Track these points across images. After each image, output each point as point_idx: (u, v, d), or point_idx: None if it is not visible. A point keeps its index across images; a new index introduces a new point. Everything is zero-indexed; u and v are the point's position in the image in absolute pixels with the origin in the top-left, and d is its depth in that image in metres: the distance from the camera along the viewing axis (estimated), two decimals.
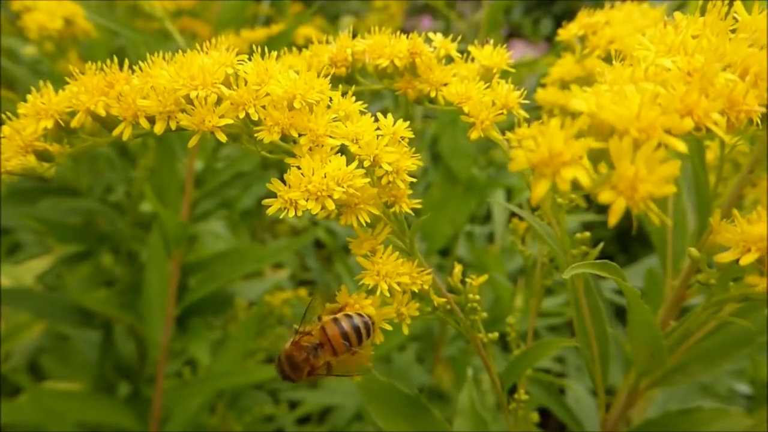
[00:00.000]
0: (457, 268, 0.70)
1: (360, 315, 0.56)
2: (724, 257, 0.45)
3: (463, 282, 0.69)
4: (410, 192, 0.58)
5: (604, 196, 0.34)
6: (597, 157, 0.37)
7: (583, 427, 1.18)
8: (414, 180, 0.55)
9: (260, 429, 1.64)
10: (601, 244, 0.71)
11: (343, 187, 0.50)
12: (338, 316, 0.56)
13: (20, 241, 1.86)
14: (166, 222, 1.18)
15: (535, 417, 0.83)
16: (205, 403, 1.37)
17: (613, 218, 0.33)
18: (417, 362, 1.75)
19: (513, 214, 2.04)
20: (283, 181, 0.52)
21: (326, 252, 2.38)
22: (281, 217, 0.50)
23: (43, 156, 0.54)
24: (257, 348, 1.58)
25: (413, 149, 0.57)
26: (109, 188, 1.50)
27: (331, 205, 0.50)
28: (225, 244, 1.76)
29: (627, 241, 2.86)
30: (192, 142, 0.52)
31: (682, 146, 0.36)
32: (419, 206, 0.60)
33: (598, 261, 0.54)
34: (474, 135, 0.61)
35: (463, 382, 1.67)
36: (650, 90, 0.39)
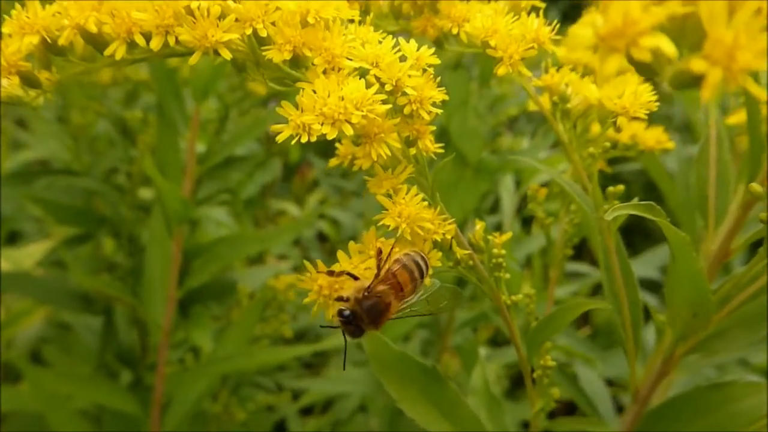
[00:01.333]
0: (479, 225, 0.65)
1: (415, 251, 0.52)
2: None
3: (485, 241, 0.64)
4: (434, 129, 0.53)
5: (697, 65, 0.28)
6: (675, 33, 0.31)
7: (597, 410, 1.13)
8: (440, 111, 0.50)
9: (263, 419, 1.59)
10: (637, 199, 0.66)
11: (362, 110, 0.45)
12: (401, 256, 0.52)
13: (21, 230, 1.82)
14: (168, 197, 1.13)
15: (556, 392, 0.78)
16: (207, 389, 1.33)
17: (708, 92, 0.28)
18: (423, 352, 1.70)
19: (522, 203, 2.00)
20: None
21: (330, 246, 2.34)
22: (292, 143, 0.45)
23: (29, 81, 0.49)
24: (261, 334, 1.53)
25: None
26: (110, 171, 1.45)
27: (349, 131, 0.45)
28: (228, 231, 1.71)
29: (631, 236, 2.82)
30: (193, 59, 0.46)
31: None
32: (442, 150, 0.55)
33: (642, 203, 0.49)
34: (502, 70, 0.56)
35: (469, 370, 1.62)
36: None
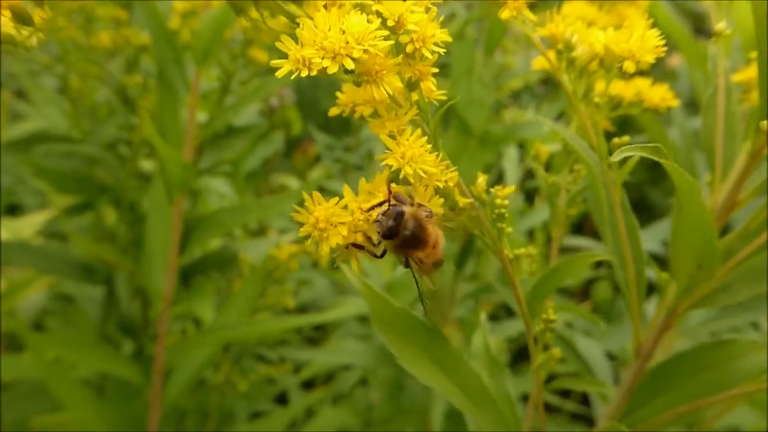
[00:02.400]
0: (481, 178, 0.65)
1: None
2: None
3: (487, 193, 0.63)
4: (437, 71, 0.51)
5: None
6: None
7: (596, 376, 1.13)
8: (443, 51, 0.49)
9: (265, 390, 1.60)
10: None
11: (363, 45, 0.44)
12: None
13: (21, 203, 1.82)
14: (168, 163, 1.12)
15: (557, 352, 0.77)
16: (208, 358, 1.33)
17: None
18: None
19: (526, 175, 1.98)
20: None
21: None
22: (292, 78, 0.44)
23: (22, 18, 0.48)
24: (262, 305, 1.53)
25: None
26: (112, 140, 1.45)
27: (350, 65, 0.44)
28: (229, 203, 1.71)
29: (635, 212, 2.82)
30: None
31: None
32: (444, 97, 0.54)
33: (648, 145, 0.48)
34: (506, 14, 0.55)
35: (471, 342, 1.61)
36: None
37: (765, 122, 0.44)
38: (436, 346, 0.69)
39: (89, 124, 1.35)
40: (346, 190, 0.50)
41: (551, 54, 0.63)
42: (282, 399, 1.73)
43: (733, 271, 0.61)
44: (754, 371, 0.67)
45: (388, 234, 0.50)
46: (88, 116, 1.39)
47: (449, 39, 0.50)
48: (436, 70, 0.51)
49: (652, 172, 2.62)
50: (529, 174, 1.93)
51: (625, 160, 0.73)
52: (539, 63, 0.78)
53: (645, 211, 2.84)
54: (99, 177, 1.38)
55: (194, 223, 1.36)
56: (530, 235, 1.90)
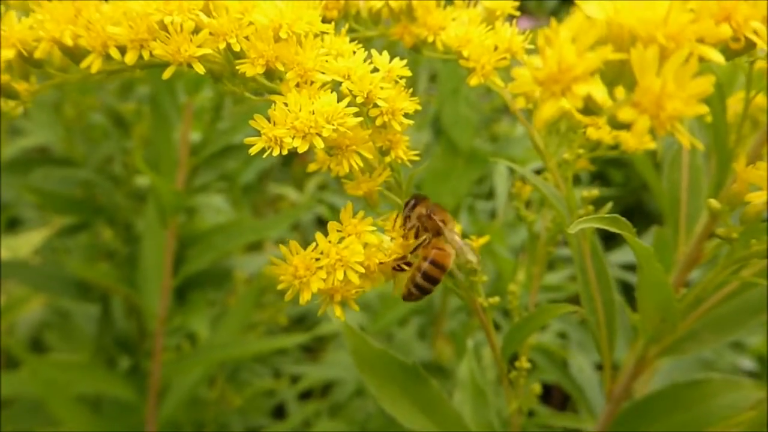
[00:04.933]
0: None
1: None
2: (755, 197, 0.40)
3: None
4: (407, 139, 0.53)
5: (625, 114, 0.29)
6: (612, 76, 0.32)
7: (585, 395, 1.15)
8: (411, 123, 0.51)
9: (261, 403, 1.62)
10: (610, 204, 0.67)
11: (333, 124, 0.46)
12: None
13: (22, 217, 1.84)
14: (161, 190, 1.14)
15: (537, 389, 0.79)
16: (203, 376, 1.35)
17: (635, 140, 0.28)
18: (418, 337, 1.72)
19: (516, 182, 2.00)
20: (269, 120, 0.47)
21: None
22: (264, 156, 0.46)
23: (7, 92, 0.50)
24: (257, 321, 1.56)
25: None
26: (106, 160, 1.47)
27: (319, 144, 0.46)
28: (226, 218, 1.72)
29: (631, 218, 2.82)
30: (167, 74, 0.47)
31: (718, 56, 0.30)
32: (417, 158, 0.56)
33: (607, 216, 0.50)
34: (474, 81, 0.57)
35: (463, 356, 1.63)
36: None
37: (713, 201, 0.46)
38: (414, 386, 0.71)
39: (84, 147, 1.37)
40: (319, 237, 0.51)
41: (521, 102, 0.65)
42: (279, 410, 1.76)
43: (699, 320, 0.63)
44: (729, 410, 0.68)
45: (411, 199, 0.54)
46: (83, 138, 1.41)
47: (419, 108, 0.52)
48: (407, 138, 0.53)
49: (639, 175, 2.63)
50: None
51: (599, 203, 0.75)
52: (519, 102, 0.79)
53: (642, 217, 2.85)
54: (94, 198, 1.41)
55: (189, 242, 1.38)
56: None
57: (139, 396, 1.29)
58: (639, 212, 2.87)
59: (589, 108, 0.30)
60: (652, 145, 0.78)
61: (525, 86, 0.31)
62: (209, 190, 1.56)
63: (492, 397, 0.98)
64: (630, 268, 1.73)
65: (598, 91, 0.29)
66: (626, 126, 0.28)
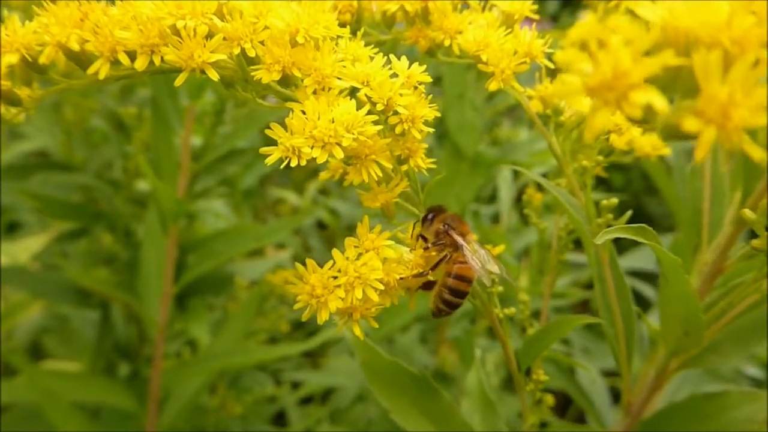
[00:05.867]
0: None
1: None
2: None
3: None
4: (426, 147, 0.52)
5: (689, 124, 0.27)
6: (666, 81, 0.30)
7: (594, 406, 1.13)
8: (431, 130, 0.49)
9: (262, 410, 1.60)
10: (629, 213, 0.65)
11: (353, 133, 0.44)
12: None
13: (21, 221, 1.82)
14: (162, 197, 1.12)
15: (550, 400, 0.78)
16: (204, 384, 1.33)
17: (702, 152, 0.26)
18: (420, 343, 1.70)
19: (520, 193, 1.99)
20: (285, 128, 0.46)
21: (329, 233, 2.33)
22: (292, 165, 0.44)
23: (9, 99, 0.48)
24: (258, 328, 1.54)
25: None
26: (106, 164, 1.44)
27: (339, 154, 0.44)
28: (226, 223, 1.71)
29: (632, 222, 2.81)
30: (179, 80, 0.46)
31: None
32: (434, 166, 0.55)
33: (635, 225, 0.49)
34: (494, 86, 0.55)
35: (467, 362, 1.62)
36: None
37: (746, 210, 0.44)
38: (425, 397, 0.69)
39: (84, 151, 1.35)
40: (335, 253, 0.49)
41: (538, 114, 0.63)
42: (280, 415, 1.74)
43: (722, 331, 0.61)
44: (747, 423, 0.67)
45: (428, 212, 0.54)
46: (83, 143, 1.38)
47: (438, 114, 0.51)
48: (426, 146, 0.51)
49: (648, 180, 2.62)
50: (524, 191, 1.93)
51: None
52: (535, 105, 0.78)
53: (643, 220, 2.84)
54: (94, 204, 1.39)
55: (190, 248, 1.36)
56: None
57: (138, 404, 1.27)
58: (640, 216, 2.86)
59: (644, 117, 0.28)
60: (666, 151, 0.77)
61: (573, 94, 0.29)
62: (210, 195, 1.55)
63: (500, 406, 0.97)
64: (637, 275, 1.72)
65: (658, 99, 0.27)
66: (689, 136, 0.27)
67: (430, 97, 0.50)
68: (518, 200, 1.98)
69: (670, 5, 0.29)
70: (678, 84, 0.29)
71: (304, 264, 0.49)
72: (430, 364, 1.66)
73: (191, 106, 1.23)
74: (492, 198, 2.15)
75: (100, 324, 1.46)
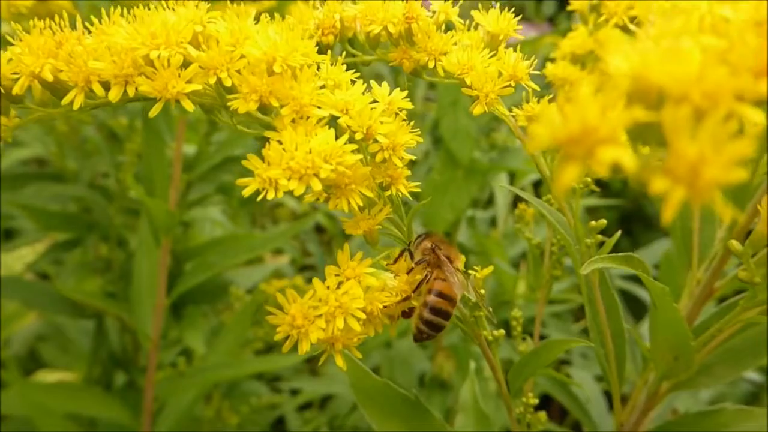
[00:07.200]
0: (461, 263, 0.64)
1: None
2: None
3: (466, 273, 0.62)
4: (409, 173, 0.51)
5: (658, 184, 0.26)
6: (638, 132, 0.29)
7: (590, 417, 1.13)
8: (413, 158, 0.48)
9: (259, 418, 1.60)
10: (618, 234, 0.65)
11: (331, 164, 0.43)
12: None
13: (18, 228, 1.81)
14: (153, 210, 1.12)
15: (543, 417, 0.77)
16: (199, 396, 1.33)
17: (669, 212, 0.25)
18: (418, 349, 1.70)
19: (518, 199, 1.98)
20: (262, 158, 0.45)
21: (327, 236, 2.32)
22: (269, 198, 0.43)
23: None
24: (253, 338, 1.53)
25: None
26: (100, 174, 1.44)
27: (317, 186, 0.43)
28: (223, 230, 1.70)
29: (631, 224, 2.80)
30: (153, 111, 0.45)
31: (759, 116, 0.27)
32: (418, 189, 0.54)
33: (620, 254, 0.48)
34: (478, 110, 0.54)
35: (464, 370, 1.61)
36: (713, 44, 0.29)
37: (733, 242, 0.43)
38: (416, 418, 0.69)
39: (76, 162, 1.34)
40: (316, 282, 0.49)
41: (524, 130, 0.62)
42: (278, 422, 1.73)
43: (713, 352, 0.60)
44: None
45: (419, 236, 0.53)
46: (75, 153, 1.38)
47: (421, 140, 0.50)
48: (408, 173, 0.50)
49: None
50: (519, 196, 1.92)
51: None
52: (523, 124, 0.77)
53: (642, 222, 2.83)
54: (88, 214, 1.38)
55: (184, 257, 1.35)
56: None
57: (133, 415, 1.27)
58: (638, 218, 2.85)
59: (613, 172, 0.27)
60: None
61: (542, 146, 0.28)
62: (206, 202, 1.54)
63: (495, 418, 0.96)
64: (632, 278, 1.71)
65: (626, 157, 0.26)
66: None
67: (411, 123, 0.49)
68: (515, 205, 1.97)
69: (644, 50, 0.28)
70: (650, 134, 0.28)
71: (302, 268, 0.49)
72: (428, 371, 1.65)
73: (183, 115, 1.22)
74: (489, 202, 2.13)
75: (95, 333, 1.46)
